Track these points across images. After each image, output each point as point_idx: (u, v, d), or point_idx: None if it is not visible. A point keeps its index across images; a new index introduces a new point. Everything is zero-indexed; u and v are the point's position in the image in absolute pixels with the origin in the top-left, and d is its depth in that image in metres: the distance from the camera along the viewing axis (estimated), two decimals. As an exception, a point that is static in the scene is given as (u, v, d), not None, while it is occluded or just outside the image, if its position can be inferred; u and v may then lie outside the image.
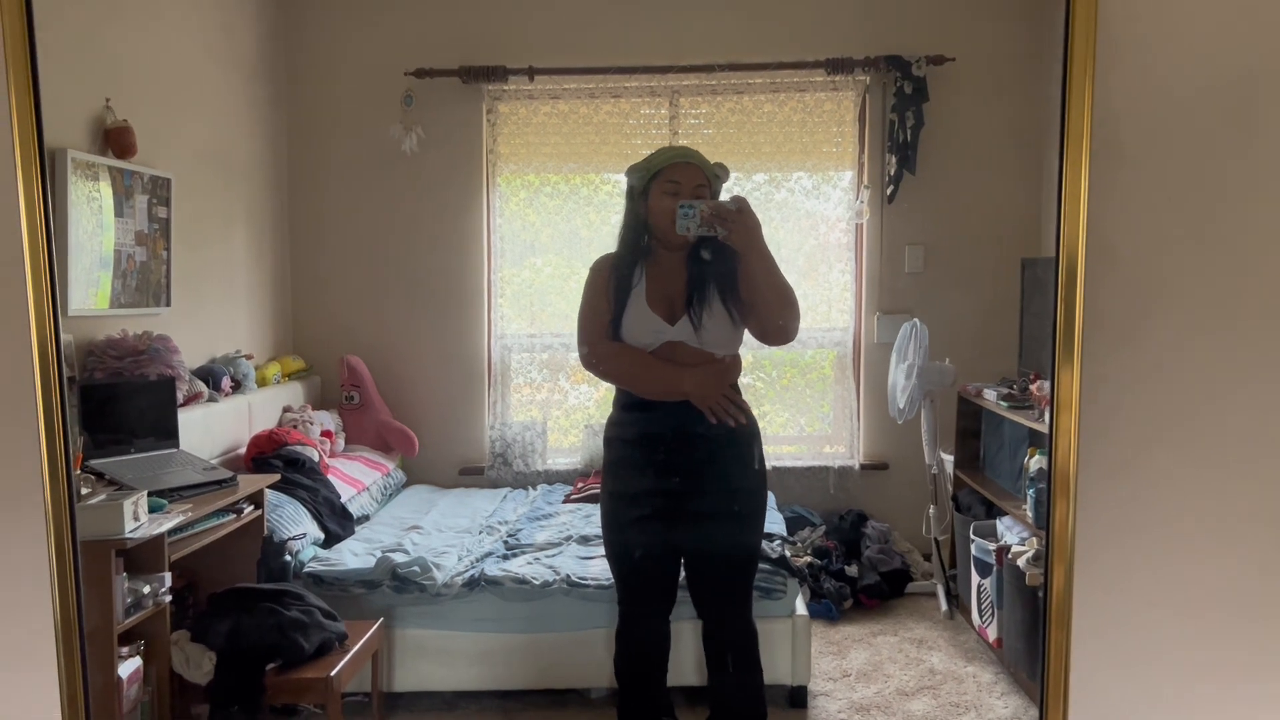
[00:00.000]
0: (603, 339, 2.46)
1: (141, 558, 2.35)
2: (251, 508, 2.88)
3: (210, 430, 3.30)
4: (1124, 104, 1.49)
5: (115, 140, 2.95)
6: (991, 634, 3.26)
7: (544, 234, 4.40)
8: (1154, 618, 1.71)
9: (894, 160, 4.12)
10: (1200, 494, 1.67)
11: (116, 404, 2.78)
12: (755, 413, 4.21)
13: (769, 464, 4.19)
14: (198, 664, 2.43)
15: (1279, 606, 1.70)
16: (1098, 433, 1.60)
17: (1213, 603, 1.71)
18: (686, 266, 2.43)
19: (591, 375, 2.55)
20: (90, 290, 2.96)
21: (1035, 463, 2.99)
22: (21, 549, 1.55)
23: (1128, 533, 1.67)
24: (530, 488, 4.22)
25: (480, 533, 3.51)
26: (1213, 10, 1.54)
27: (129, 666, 2.26)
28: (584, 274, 2.58)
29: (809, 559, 3.82)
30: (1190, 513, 1.68)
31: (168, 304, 3.29)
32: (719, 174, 2.47)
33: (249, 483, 2.92)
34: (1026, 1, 4.06)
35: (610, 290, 2.45)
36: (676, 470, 2.45)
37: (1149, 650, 1.71)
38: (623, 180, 2.49)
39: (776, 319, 2.40)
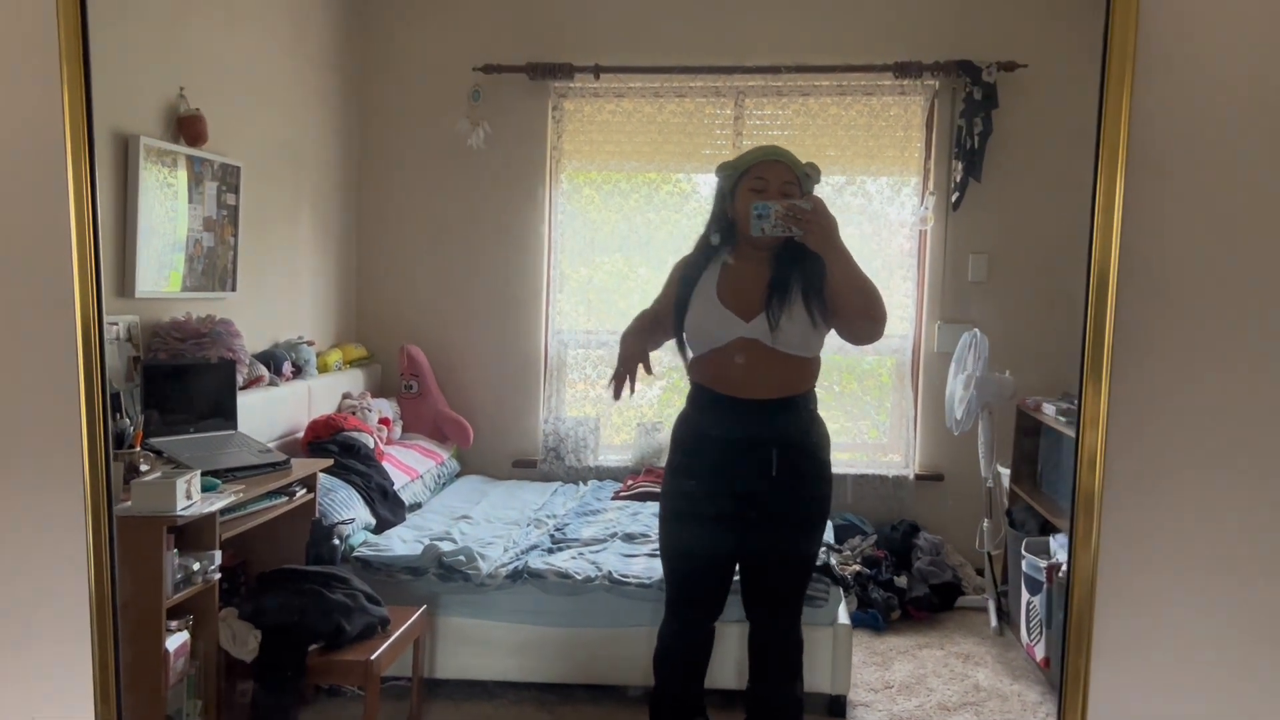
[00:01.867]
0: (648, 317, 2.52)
1: (193, 535, 2.42)
2: (304, 491, 2.95)
3: (269, 414, 3.38)
4: (1161, 118, 1.46)
5: (187, 128, 3.05)
6: (1039, 653, 3.19)
7: (604, 232, 4.42)
8: (1179, 637, 1.67)
9: (960, 167, 4.05)
10: (1230, 514, 1.62)
11: (178, 384, 2.87)
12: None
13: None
14: (244, 641, 2.49)
15: None
16: (1125, 450, 1.57)
17: (1239, 624, 1.66)
18: (771, 265, 2.42)
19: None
20: (165, 273, 3.06)
21: (1091, 481, 2.92)
22: (61, 525, 1.62)
23: (1153, 552, 1.63)
24: (581, 483, 4.25)
25: (527, 525, 3.54)
26: (1253, 26, 1.49)
27: (176, 640, 2.32)
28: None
29: (858, 568, 3.78)
30: (1217, 532, 1.64)
31: (233, 289, 3.38)
32: (809, 174, 2.46)
33: (303, 466, 2.99)
34: (1099, 8, 3.96)
35: (678, 284, 2.47)
36: (747, 472, 2.42)
37: (1171, 670, 1.67)
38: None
39: (860, 318, 2.35)
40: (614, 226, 4.42)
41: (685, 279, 2.47)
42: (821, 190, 4.21)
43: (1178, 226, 1.53)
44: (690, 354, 2.49)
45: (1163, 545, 1.63)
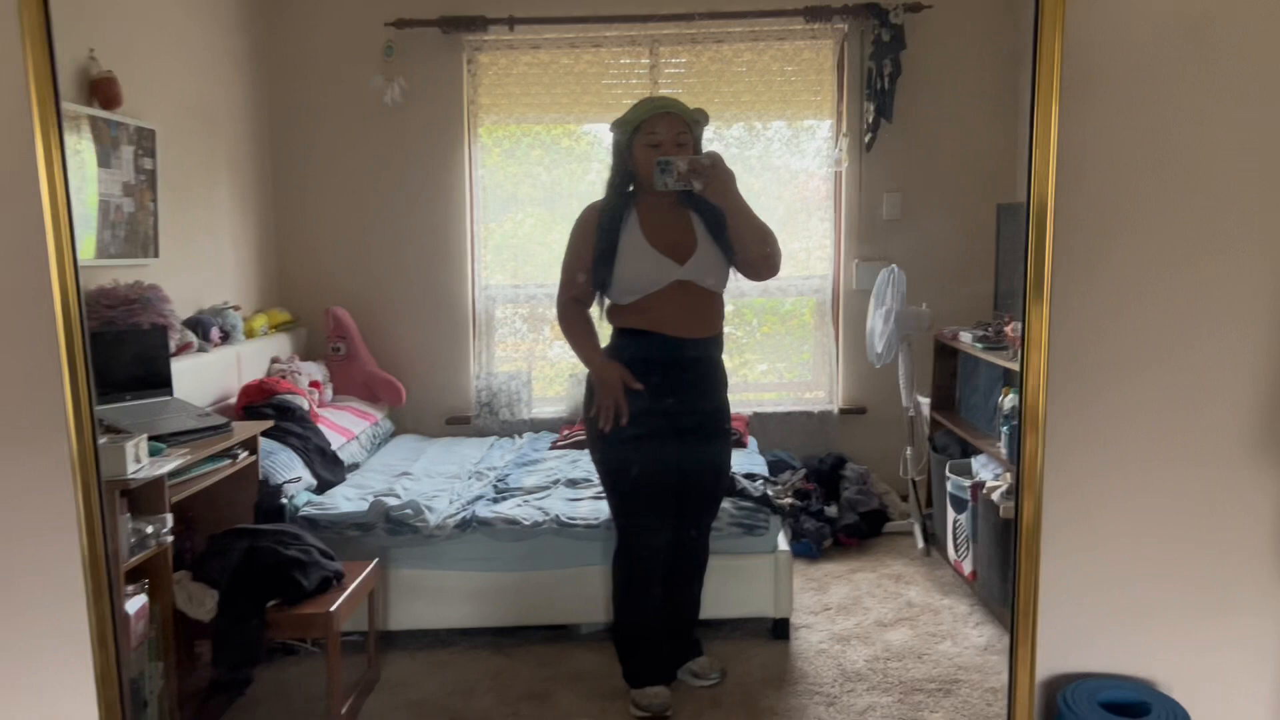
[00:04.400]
0: (576, 301, 2.63)
1: (143, 500, 2.40)
2: (246, 453, 2.94)
3: (200, 380, 3.34)
4: (1093, 36, 1.56)
5: (101, 91, 2.96)
6: (967, 568, 3.37)
7: (525, 186, 4.43)
8: (1119, 544, 1.82)
9: (872, 108, 4.16)
10: (1164, 423, 1.76)
11: (110, 352, 2.82)
12: (736, 361, 4.36)
13: (750, 410, 4.36)
14: (200, 602, 2.50)
15: (1235, 530, 1.81)
16: (1066, 366, 1.69)
17: (1174, 527, 1.81)
18: (683, 210, 2.58)
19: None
20: (79, 241, 2.97)
21: (1009, 401, 3.09)
22: (49, 489, 1.63)
23: (1095, 463, 1.77)
24: (516, 436, 4.30)
25: (469, 478, 3.59)
26: None
27: (135, 604, 2.32)
28: (566, 226, 2.67)
29: (790, 500, 3.91)
30: (1154, 441, 1.78)
31: (156, 255, 3.32)
32: (699, 119, 2.61)
33: (243, 429, 2.97)
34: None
35: (596, 236, 2.54)
36: (686, 401, 2.63)
37: (1114, 574, 1.82)
38: (603, 132, 2.60)
39: (759, 257, 2.57)
40: (535, 179, 4.44)
41: (607, 229, 2.55)
42: (735, 136, 4.32)
43: (1111, 149, 1.64)
44: (619, 300, 2.58)
45: (1101, 453, 1.76)
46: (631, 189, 2.62)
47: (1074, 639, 1.80)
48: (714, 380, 2.72)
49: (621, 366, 2.57)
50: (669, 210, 2.58)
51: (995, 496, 3.05)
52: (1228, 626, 1.82)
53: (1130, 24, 1.57)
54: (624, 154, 2.58)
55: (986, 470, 3.25)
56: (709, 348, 2.67)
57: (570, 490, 3.35)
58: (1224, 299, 1.71)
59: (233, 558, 2.55)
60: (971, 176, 4.22)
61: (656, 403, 2.59)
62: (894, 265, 3.87)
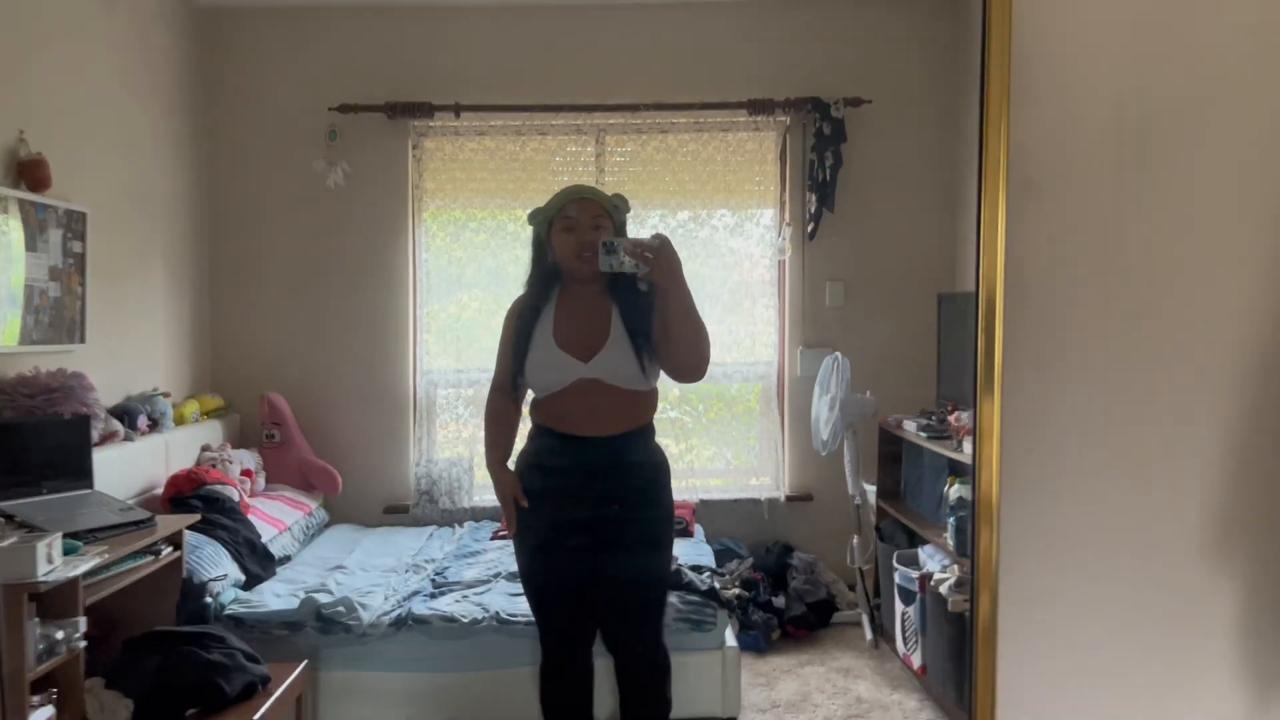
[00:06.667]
0: (501, 391, 2.53)
1: (55, 602, 2.26)
2: (170, 549, 2.80)
3: (126, 470, 3.21)
4: (1036, 144, 1.57)
5: (29, 173, 2.89)
6: (916, 661, 3.31)
7: (470, 270, 4.40)
8: (1077, 636, 1.78)
9: (814, 198, 4.22)
10: (1116, 513, 1.74)
11: (27, 443, 2.69)
12: (682, 446, 4.31)
13: (697, 496, 4.30)
14: (113, 711, 2.34)
15: (1193, 617, 1.78)
16: (1018, 459, 1.66)
17: (1132, 617, 1.78)
18: (599, 303, 2.45)
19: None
20: (1, 326, 2.87)
21: (955, 491, 3.07)
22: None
23: (1049, 555, 1.74)
24: (457, 525, 4.19)
25: (406, 571, 3.47)
26: (1114, 57, 1.64)
27: (41, 715, 2.16)
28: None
29: (737, 591, 3.84)
30: (1108, 532, 1.75)
31: (82, 340, 3.21)
32: (618, 205, 2.49)
33: (167, 523, 2.84)
34: (939, 47, 4.21)
35: (515, 334, 2.47)
36: (595, 505, 2.43)
37: (1073, 666, 1.77)
38: None
39: (691, 354, 2.39)
40: (479, 264, 4.41)
41: (521, 326, 2.47)
42: (680, 225, 4.35)
43: (1055, 241, 1.64)
44: (536, 395, 2.49)
45: (1056, 548, 1.73)
46: (554, 281, 2.50)
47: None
48: (630, 483, 2.45)
49: (515, 483, 2.46)
50: (588, 302, 2.46)
51: (944, 589, 3.01)
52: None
53: (1072, 133, 1.60)
54: (543, 244, 2.49)
55: (934, 561, 3.22)
56: (622, 447, 2.44)
57: (511, 584, 3.25)
58: (1176, 395, 1.71)
59: (150, 664, 2.40)
60: (911, 266, 4.27)
61: (564, 505, 2.44)
62: (838, 353, 3.87)
